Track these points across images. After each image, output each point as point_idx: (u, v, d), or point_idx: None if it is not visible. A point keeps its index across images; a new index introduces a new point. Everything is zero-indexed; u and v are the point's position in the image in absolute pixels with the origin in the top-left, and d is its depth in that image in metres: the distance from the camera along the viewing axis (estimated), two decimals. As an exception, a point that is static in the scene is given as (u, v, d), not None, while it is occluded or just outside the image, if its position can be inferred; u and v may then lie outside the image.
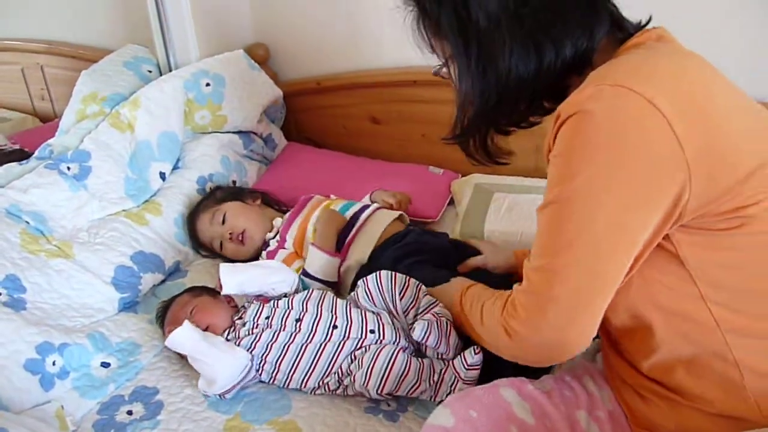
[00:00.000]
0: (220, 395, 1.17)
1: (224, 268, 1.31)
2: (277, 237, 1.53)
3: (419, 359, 1.13)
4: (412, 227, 1.51)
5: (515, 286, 0.86)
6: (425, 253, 1.34)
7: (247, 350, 1.18)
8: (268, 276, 1.33)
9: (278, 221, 1.56)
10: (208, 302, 1.29)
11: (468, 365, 1.05)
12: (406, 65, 1.90)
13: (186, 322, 1.16)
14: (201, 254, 1.63)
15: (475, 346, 1.04)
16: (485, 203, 1.65)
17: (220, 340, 1.20)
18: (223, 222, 1.53)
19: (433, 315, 1.11)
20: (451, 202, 1.78)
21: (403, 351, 1.14)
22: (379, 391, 1.10)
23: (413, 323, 1.12)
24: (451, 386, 1.07)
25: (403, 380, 1.10)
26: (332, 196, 1.63)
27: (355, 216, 1.48)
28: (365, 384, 1.10)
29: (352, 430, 1.09)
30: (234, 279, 1.29)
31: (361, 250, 1.40)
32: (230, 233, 1.52)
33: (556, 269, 0.76)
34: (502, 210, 1.61)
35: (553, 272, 0.77)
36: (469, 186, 1.74)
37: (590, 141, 0.73)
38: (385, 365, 1.10)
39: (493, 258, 1.32)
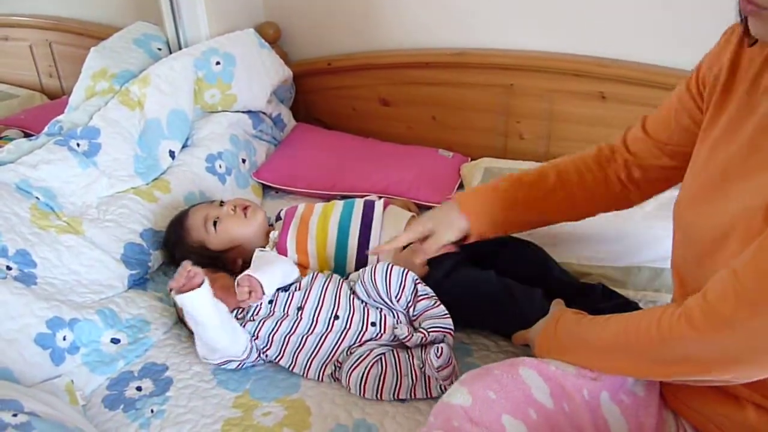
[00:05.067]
0: (218, 364, 1.18)
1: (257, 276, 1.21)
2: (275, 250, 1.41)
3: (396, 355, 1.13)
4: None
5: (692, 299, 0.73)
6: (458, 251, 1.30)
7: (251, 338, 1.18)
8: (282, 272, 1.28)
9: (274, 234, 1.42)
10: (228, 282, 1.26)
11: (436, 368, 1.06)
12: (417, 47, 1.89)
13: (206, 284, 1.09)
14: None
15: (438, 347, 1.06)
16: (495, 187, 1.64)
17: (228, 312, 1.17)
18: (221, 205, 1.43)
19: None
20: (461, 186, 1.77)
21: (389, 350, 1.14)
22: (361, 395, 1.12)
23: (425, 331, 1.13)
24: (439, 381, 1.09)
25: (383, 383, 1.10)
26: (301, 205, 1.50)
27: (366, 220, 1.42)
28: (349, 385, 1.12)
29: (360, 410, 1.09)
30: (270, 280, 1.23)
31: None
32: (233, 207, 1.41)
33: None
34: (512, 194, 1.59)
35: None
36: (479, 170, 1.73)
37: None
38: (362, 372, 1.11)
39: None
